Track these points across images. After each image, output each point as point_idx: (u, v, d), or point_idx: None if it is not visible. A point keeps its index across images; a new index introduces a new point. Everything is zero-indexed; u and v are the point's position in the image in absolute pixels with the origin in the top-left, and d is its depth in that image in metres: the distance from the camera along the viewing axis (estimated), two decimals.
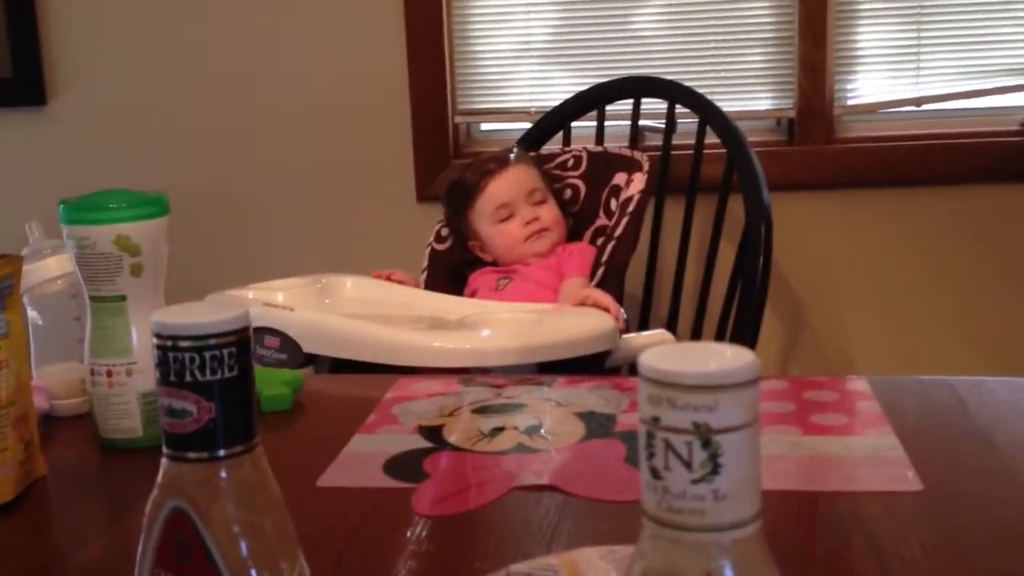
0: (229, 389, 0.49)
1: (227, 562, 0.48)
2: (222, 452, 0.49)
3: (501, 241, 1.81)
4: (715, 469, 0.38)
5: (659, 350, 0.40)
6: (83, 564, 0.77)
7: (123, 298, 0.94)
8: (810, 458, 0.89)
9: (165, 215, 0.96)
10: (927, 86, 2.21)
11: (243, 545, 0.49)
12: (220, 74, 2.35)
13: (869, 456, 0.88)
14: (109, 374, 0.95)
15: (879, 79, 2.23)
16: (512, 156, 1.85)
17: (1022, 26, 2.19)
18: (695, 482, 0.38)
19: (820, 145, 2.21)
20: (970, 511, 0.79)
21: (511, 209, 1.80)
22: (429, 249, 1.91)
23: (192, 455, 0.49)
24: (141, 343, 0.95)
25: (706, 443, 0.38)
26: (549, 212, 1.81)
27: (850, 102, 2.23)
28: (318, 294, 1.60)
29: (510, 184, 1.81)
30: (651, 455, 0.39)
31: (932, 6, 2.19)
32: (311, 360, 1.43)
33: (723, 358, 0.39)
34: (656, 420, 0.38)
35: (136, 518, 0.52)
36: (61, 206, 0.94)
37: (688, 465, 0.38)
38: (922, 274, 2.22)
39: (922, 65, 2.21)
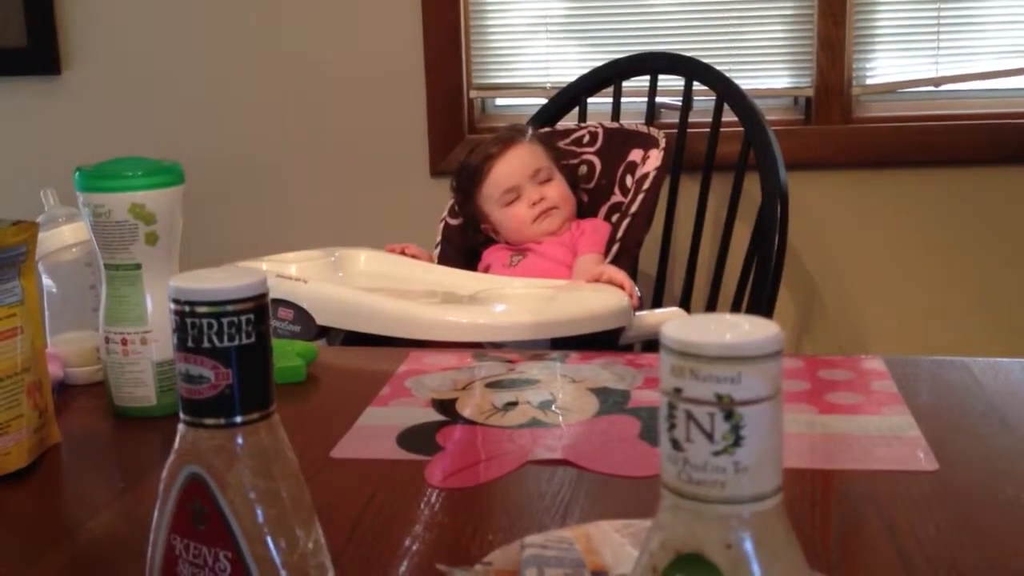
0: (246, 356, 0.49)
1: (243, 528, 0.48)
2: (239, 419, 0.49)
3: (510, 223, 1.80)
4: (737, 441, 0.38)
5: (682, 321, 0.39)
6: (96, 531, 0.77)
7: (138, 266, 0.94)
8: (825, 437, 0.89)
9: (181, 184, 0.96)
10: (946, 66, 2.20)
11: (259, 512, 0.49)
12: (236, 46, 2.35)
13: (884, 435, 0.88)
14: (124, 342, 0.95)
15: (898, 59, 2.21)
16: (514, 135, 1.84)
17: None
18: (716, 454, 0.38)
19: (837, 124, 2.19)
20: (985, 491, 0.79)
21: (517, 191, 1.79)
22: (443, 224, 1.90)
23: (209, 421, 0.49)
24: (156, 312, 0.95)
25: (728, 415, 0.37)
26: (555, 190, 1.80)
27: (868, 81, 2.21)
28: (331, 267, 1.60)
29: (513, 166, 1.80)
30: (672, 426, 0.38)
31: None
32: (324, 332, 1.43)
33: (746, 330, 0.38)
34: (678, 391, 0.38)
35: (149, 486, 0.52)
36: (77, 173, 0.94)
37: (710, 436, 0.38)
38: (938, 255, 2.21)
39: (941, 45, 2.19)
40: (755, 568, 0.39)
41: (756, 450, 0.38)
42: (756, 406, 0.37)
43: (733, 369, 0.37)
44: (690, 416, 0.38)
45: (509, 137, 1.83)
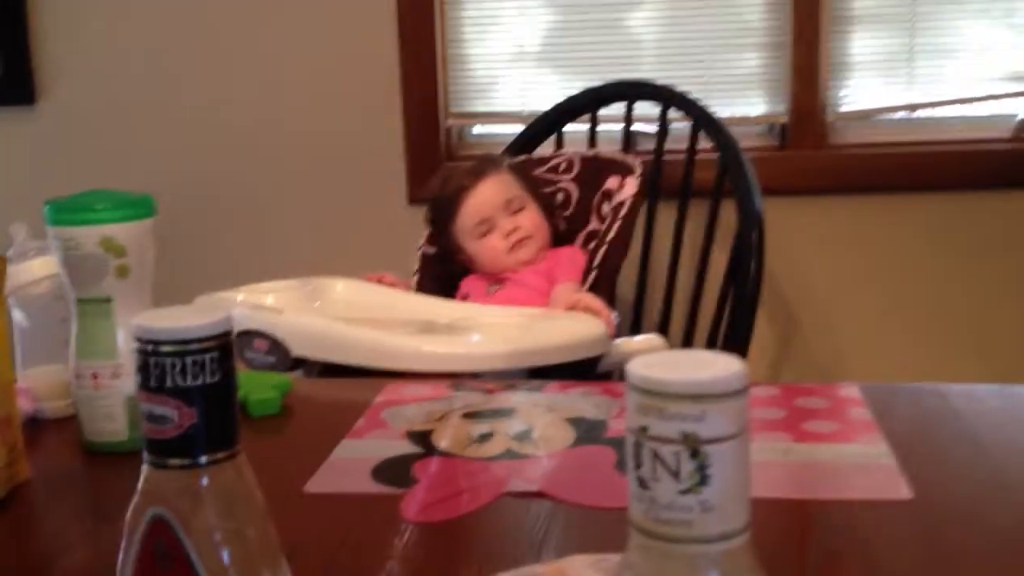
0: (211, 395, 0.48)
1: (209, 570, 0.48)
2: (204, 459, 0.49)
3: (485, 255, 1.80)
4: (703, 480, 0.37)
5: (648, 358, 0.39)
6: (68, 568, 0.76)
7: (109, 300, 0.94)
8: (801, 465, 0.88)
9: (152, 216, 0.95)
10: (920, 92, 2.21)
11: (225, 553, 0.48)
12: (211, 75, 2.34)
13: (860, 464, 0.88)
14: (95, 376, 0.94)
15: (872, 85, 2.23)
16: (485, 167, 1.84)
17: (1016, 33, 2.19)
18: (683, 493, 0.37)
19: (813, 151, 2.21)
20: (961, 519, 0.79)
21: (490, 223, 1.79)
22: (420, 252, 1.90)
23: (173, 462, 0.48)
24: (127, 345, 0.94)
25: (694, 453, 0.37)
26: (529, 219, 1.80)
27: (843, 108, 2.22)
28: (308, 296, 1.59)
29: (484, 198, 1.79)
30: (639, 465, 0.38)
31: (925, 13, 2.19)
32: (300, 364, 1.43)
33: (712, 367, 0.38)
34: (644, 429, 0.38)
35: (120, 523, 0.51)
36: (47, 207, 0.94)
37: (676, 475, 0.37)
38: (914, 281, 2.22)
39: (915, 71, 2.21)
40: None
41: (722, 489, 0.37)
42: (722, 444, 0.37)
43: (698, 407, 0.37)
44: (656, 455, 0.37)
45: (480, 169, 1.83)
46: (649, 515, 0.38)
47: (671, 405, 0.37)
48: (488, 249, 1.79)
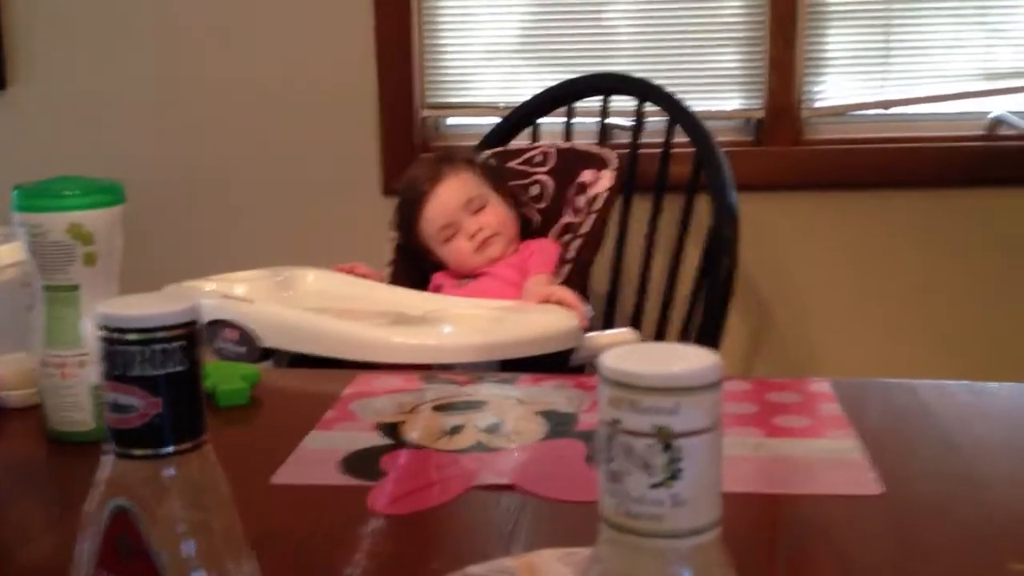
0: (177, 384, 0.47)
1: (172, 563, 0.47)
2: (169, 449, 0.48)
3: (453, 258, 1.79)
4: (675, 474, 0.37)
5: (620, 351, 0.38)
6: (30, 560, 0.75)
7: (76, 288, 0.92)
8: (772, 460, 0.88)
9: (120, 204, 0.94)
10: (894, 89, 2.22)
11: (189, 545, 0.47)
12: (185, 64, 2.32)
13: (831, 459, 0.88)
14: (61, 365, 0.93)
15: (847, 81, 2.23)
16: (442, 168, 1.80)
17: (989, 31, 2.21)
18: (654, 487, 0.37)
19: (787, 146, 2.21)
20: (932, 514, 0.79)
21: (454, 226, 1.77)
22: (395, 243, 1.89)
23: (137, 452, 0.48)
24: (94, 334, 0.93)
25: (667, 447, 0.37)
26: (492, 215, 1.79)
27: (818, 104, 2.23)
28: (279, 287, 1.58)
29: (443, 203, 1.77)
30: (610, 458, 0.38)
31: (900, 10, 2.20)
32: (270, 354, 1.41)
33: (686, 360, 0.38)
34: (616, 423, 0.37)
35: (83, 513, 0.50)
36: (14, 192, 0.92)
37: (648, 469, 0.37)
38: (886, 277, 2.23)
39: (890, 69, 2.21)
40: None
41: (695, 483, 0.37)
42: (695, 438, 0.37)
43: (671, 400, 0.36)
44: (628, 448, 0.37)
45: (436, 172, 1.80)
46: (620, 509, 0.38)
47: (644, 398, 0.36)
48: (455, 252, 1.78)
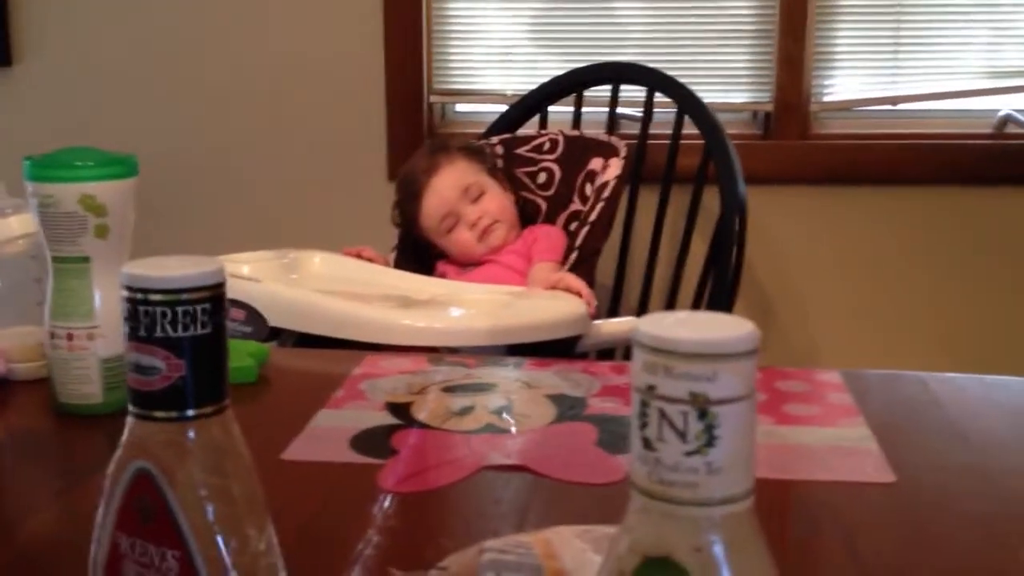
0: (201, 347, 0.47)
1: (192, 527, 0.46)
2: (191, 412, 0.47)
3: (456, 248, 1.79)
4: (710, 441, 0.36)
5: (656, 317, 0.38)
6: (36, 530, 0.75)
7: (87, 259, 0.92)
8: (783, 447, 0.88)
9: (134, 176, 0.93)
10: (903, 86, 2.22)
11: (210, 510, 0.47)
12: (193, 44, 2.32)
13: (841, 447, 0.88)
14: (70, 338, 0.92)
15: (856, 77, 2.23)
16: (438, 158, 1.79)
17: (999, 29, 2.20)
18: (689, 454, 0.37)
19: (795, 140, 2.21)
20: (942, 504, 0.79)
21: (455, 216, 1.77)
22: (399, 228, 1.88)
23: (159, 414, 0.47)
24: (104, 307, 0.92)
25: (702, 414, 0.36)
26: (492, 202, 1.78)
27: (827, 99, 2.22)
28: (285, 268, 1.57)
29: (441, 193, 1.76)
30: (644, 425, 0.37)
31: (911, 6, 2.19)
32: (276, 334, 1.41)
33: (723, 327, 0.37)
34: (651, 388, 0.37)
35: (93, 485, 0.50)
36: (26, 162, 0.92)
37: (683, 436, 0.36)
38: (892, 272, 2.22)
39: (899, 65, 2.21)
40: (724, 572, 0.38)
41: (730, 451, 0.37)
42: (731, 405, 0.36)
43: (709, 367, 0.36)
44: (663, 415, 0.37)
45: (432, 164, 1.79)
46: (653, 476, 0.37)
47: (681, 364, 0.36)
48: (457, 243, 1.78)
